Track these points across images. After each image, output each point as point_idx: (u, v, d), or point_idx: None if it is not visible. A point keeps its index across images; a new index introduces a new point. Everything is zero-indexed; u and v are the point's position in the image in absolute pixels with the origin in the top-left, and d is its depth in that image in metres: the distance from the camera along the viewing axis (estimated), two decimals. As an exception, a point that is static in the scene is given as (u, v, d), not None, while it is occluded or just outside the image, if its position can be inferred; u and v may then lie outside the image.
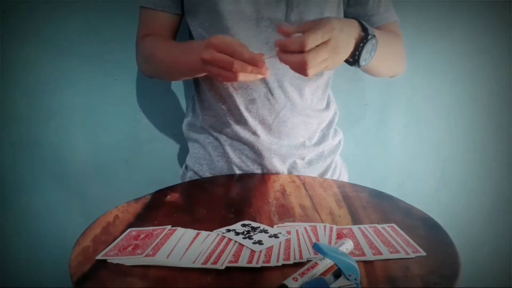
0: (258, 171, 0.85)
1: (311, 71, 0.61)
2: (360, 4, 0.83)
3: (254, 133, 0.82)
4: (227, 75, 0.63)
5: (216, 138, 0.87)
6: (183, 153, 1.02)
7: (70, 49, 1.00)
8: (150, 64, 0.86)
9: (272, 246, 0.53)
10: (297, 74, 0.81)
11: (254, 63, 0.61)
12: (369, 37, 0.65)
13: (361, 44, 0.66)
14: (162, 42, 0.83)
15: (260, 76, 0.64)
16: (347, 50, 0.65)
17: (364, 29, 0.66)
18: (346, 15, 0.85)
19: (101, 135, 1.07)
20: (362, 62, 0.68)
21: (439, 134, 1.23)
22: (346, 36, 0.63)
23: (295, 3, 0.77)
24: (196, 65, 0.68)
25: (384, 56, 0.73)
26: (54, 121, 1.04)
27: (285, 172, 0.86)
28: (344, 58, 0.66)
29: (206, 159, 0.89)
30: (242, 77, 0.63)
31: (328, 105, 0.91)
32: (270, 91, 0.81)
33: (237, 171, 0.85)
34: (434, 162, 1.26)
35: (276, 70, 0.80)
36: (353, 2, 0.84)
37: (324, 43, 0.60)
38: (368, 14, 0.84)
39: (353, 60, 0.67)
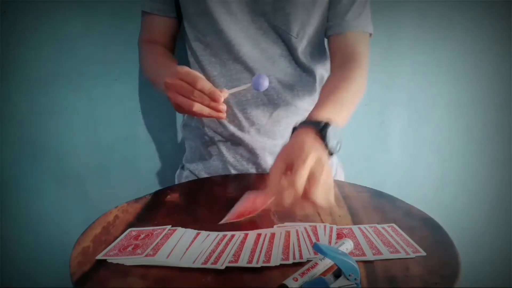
0: (252, 170, 0.85)
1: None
2: (331, 7, 0.80)
3: (248, 133, 0.83)
4: (183, 102, 0.62)
5: (211, 138, 0.87)
6: (183, 153, 1.02)
7: (70, 49, 1.00)
8: (143, 70, 0.87)
9: (272, 246, 0.53)
10: (288, 74, 0.82)
11: (213, 96, 0.61)
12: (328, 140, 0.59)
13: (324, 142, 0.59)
14: (152, 55, 0.83)
15: (216, 116, 0.63)
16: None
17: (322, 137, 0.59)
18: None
19: (101, 135, 1.07)
20: (335, 148, 0.61)
21: (439, 134, 1.23)
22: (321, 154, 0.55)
23: (281, 5, 0.77)
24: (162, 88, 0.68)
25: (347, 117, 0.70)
26: (54, 121, 1.04)
27: None
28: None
29: (201, 159, 0.89)
30: (197, 107, 0.61)
31: None
32: (263, 91, 0.81)
33: (232, 170, 0.86)
34: (434, 162, 1.26)
35: (268, 71, 0.80)
36: (330, 5, 0.81)
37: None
38: (336, 19, 0.80)
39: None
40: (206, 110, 0.62)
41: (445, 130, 1.23)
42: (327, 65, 0.88)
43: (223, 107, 0.62)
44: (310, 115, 0.64)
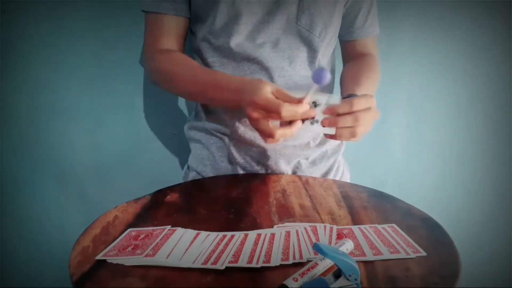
0: (262, 171, 0.85)
1: (360, 130, 0.64)
2: (349, 15, 0.86)
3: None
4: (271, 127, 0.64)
5: (220, 139, 0.86)
6: (183, 153, 1.02)
7: (70, 49, 1.00)
8: (167, 83, 0.81)
9: (272, 247, 0.53)
10: (303, 77, 0.82)
11: (303, 114, 0.63)
12: None
13: None
14: (187, 65, 0.78)
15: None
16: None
17: None
18: None
19: (101, 135, 1.07)
20: None
21: (439, 134, 1.23)
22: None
23: (306, 5, 0.77)
24: (233, 105, 0.69)
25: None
26: (54, 121, 1.04)
27: (290, 172, 0.86)
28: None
29: (209, 160, 0.88)
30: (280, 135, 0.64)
31: None
32: None
33: (241, 172, 0.85)
34: (434, 162, 1.26)
35: (285, 72, 0.80)
36: (345, 11, 0.85)
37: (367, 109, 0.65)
38: (354, 26, 0.87)
39: None
40: (287, 135, 0.64)
41: (445, 130, 1.23)
42: (334, 65, 0.91)
43: (312, 111, 0.64)
44: (353, 90, 0.73)
